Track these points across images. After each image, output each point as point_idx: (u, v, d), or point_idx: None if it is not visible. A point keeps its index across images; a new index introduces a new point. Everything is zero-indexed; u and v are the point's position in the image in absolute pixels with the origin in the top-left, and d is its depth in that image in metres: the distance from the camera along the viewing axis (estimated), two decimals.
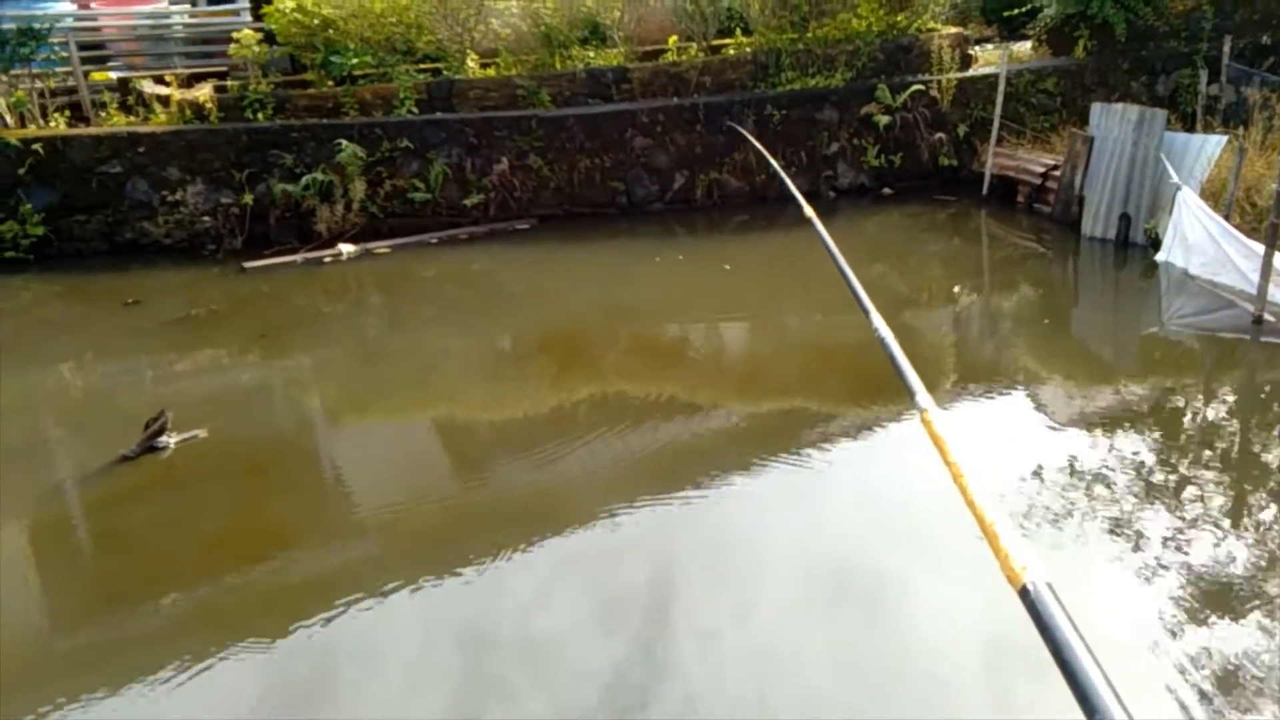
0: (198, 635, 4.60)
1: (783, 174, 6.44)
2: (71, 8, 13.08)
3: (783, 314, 9.20)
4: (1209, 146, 9.58)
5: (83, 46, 12.31)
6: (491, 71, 12.48)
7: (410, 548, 5.37)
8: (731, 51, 13.00)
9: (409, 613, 4.74)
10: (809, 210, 4.07)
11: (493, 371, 8.18)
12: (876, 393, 6.85)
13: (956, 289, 9.79)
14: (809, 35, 12.91)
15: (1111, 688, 0.93)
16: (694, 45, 13.04)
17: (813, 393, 7.22)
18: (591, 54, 12.94)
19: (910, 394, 1.73)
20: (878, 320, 2.13)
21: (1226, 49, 12.08)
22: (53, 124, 11.55)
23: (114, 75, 12.44)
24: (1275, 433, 6.19)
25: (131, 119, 11.77)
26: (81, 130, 11.45)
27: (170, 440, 6.50)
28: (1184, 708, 3.77)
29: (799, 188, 12.46)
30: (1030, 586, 1.02)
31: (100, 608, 4.96)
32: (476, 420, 7.26)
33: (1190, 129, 11.28)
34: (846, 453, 6.20)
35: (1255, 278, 7.70)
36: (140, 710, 4.15)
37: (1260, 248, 7.67)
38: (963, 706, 3.94)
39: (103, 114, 11.81)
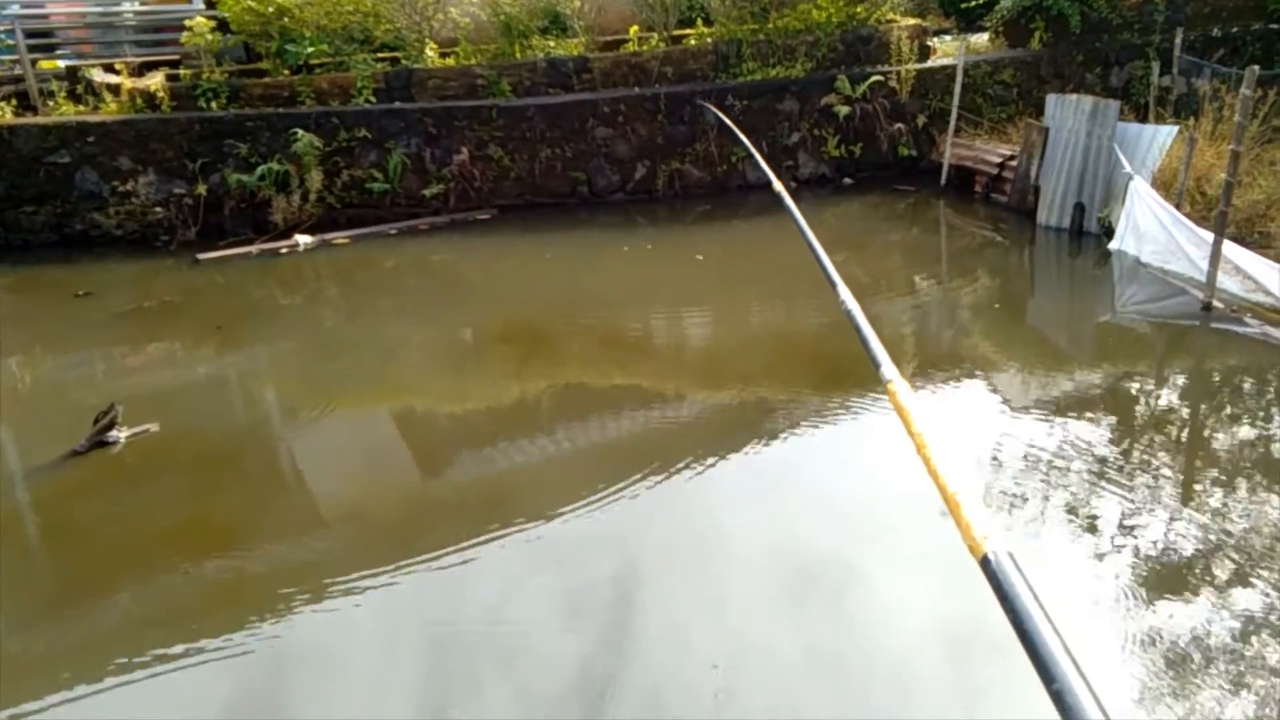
0: (150, 634, 4.51)
1: (750, 146, 6.45)
2: None
3: (764, 303, 9.18)
4: (1160, 137, 9.75)
5: (30, 34, 12.01)
6: (451, 61, 12.37)
7: (370, 542, 5.30)
8: (692, 42, 13.00)
9: (370, 608, 4.68)
10: (777, 184, 4.07)
11: (454, 363, 8.11)
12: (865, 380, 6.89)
13: (915, 278, 9.87)
14: (769, 26, 12.94)
15: (1071, 658, 0.93)
16: (655, 35, 13.02)
17: (804, 380, 7.25)
18: (552, 43, 12.87)
19: (875, 365, 1.73)
20: (844, 293, 2.14)
21: (1178, 41, 12.30)
22: None
23: (62, 64, 12.16)
24: (1225, 414, 6.32)
25: (81, 108, 11.52)
26: (29, 119, 11.18)
27: (120, 435, 6.37)
28: (1140, 680, 3.84)
29: (760, 178, 12.54)
30: (991, 556, 1.02)
31: (49, 606, 4.84)
32: (437, 413, 7.19)
33: (1143, 119, 11.48)
34: (831, 439, 6.23)
35: (1205, 265, 7.85)
36: (92, 712, 4.06)
37: (1210, 236, 7.82)
38: (932, 696, 3.98)
39: (51, 103, 11.54)
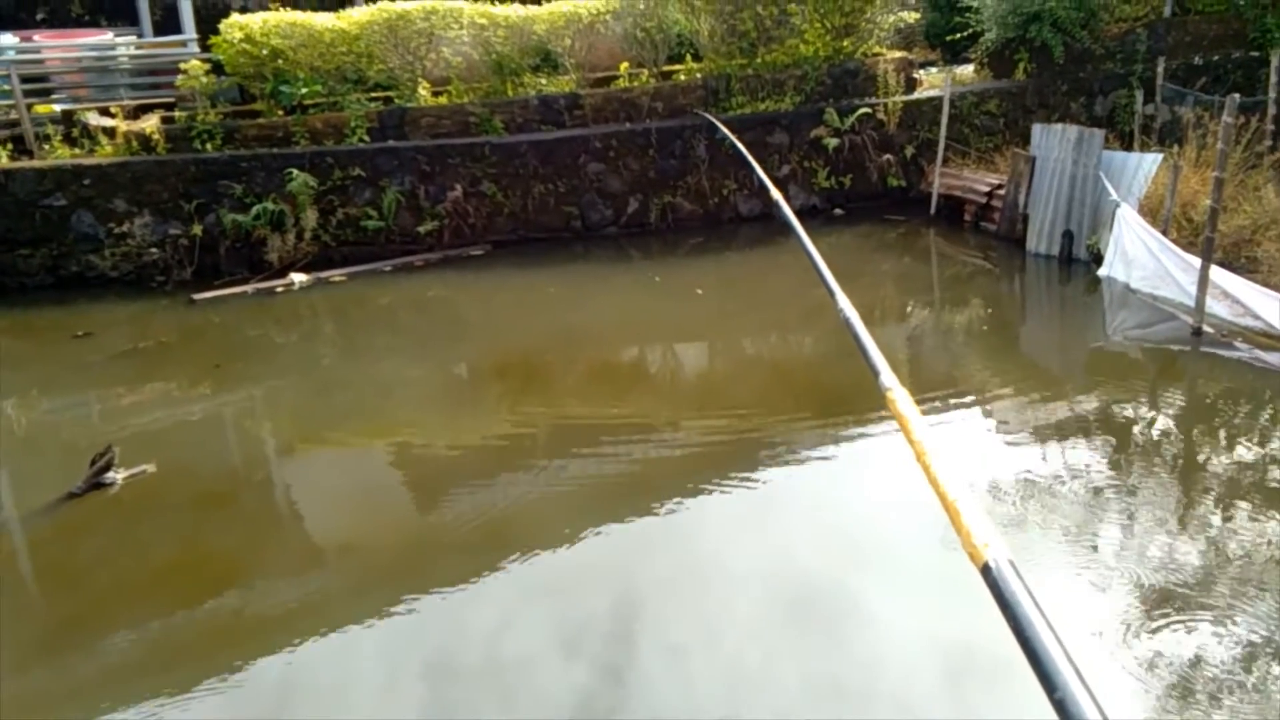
0: (149, 675, 4.48)
1: (748, 156, 6.53)
2: (14, 40, 12.87)
3: (765, 336, 9.20)
4: (1146, 164, 9.86)
5: (25, 79, 12.09)
6: (443, 99, 12.48)
7: (368, 580, 5.28)
8: (682, 77, 13.16)
9: (368, 645, 4.66)
10: (776, 194, 4.14)
11: (451, 399, 8.12)
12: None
13: (908, 306, 9.94)
14: (758, 60, 13.11)
15: (1073, 665, 0.95)
16: (645, 71, 13.17)
17: (813, 411, 7.27)
18: (543, 81, 13.00)
19: (874, 373, 1.76)
20: (843, 301, 2.17)
21: (1160, 70, 12.48)
22: None
23: (58, 108, 12.25)
24: (1219, 437, 6.36)
25: (76, 151, 11.58)
26: (24, 163, 11.24)
27: (117, 476, 6.35)
28: (1147, 699, 3.84)
29: (751, 210, 12.67)
30: (992, 564, 1.04)
31: (48, 648, 4.81)
32: (434, 449, 7.18)
33: (1128, 148, 11.60)
34: (838, 468, 6.25)
35: (1193, 290, 7.91)
36: None
37: (1197, 261, 7.89)
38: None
39: (46, 147, 11.60)
